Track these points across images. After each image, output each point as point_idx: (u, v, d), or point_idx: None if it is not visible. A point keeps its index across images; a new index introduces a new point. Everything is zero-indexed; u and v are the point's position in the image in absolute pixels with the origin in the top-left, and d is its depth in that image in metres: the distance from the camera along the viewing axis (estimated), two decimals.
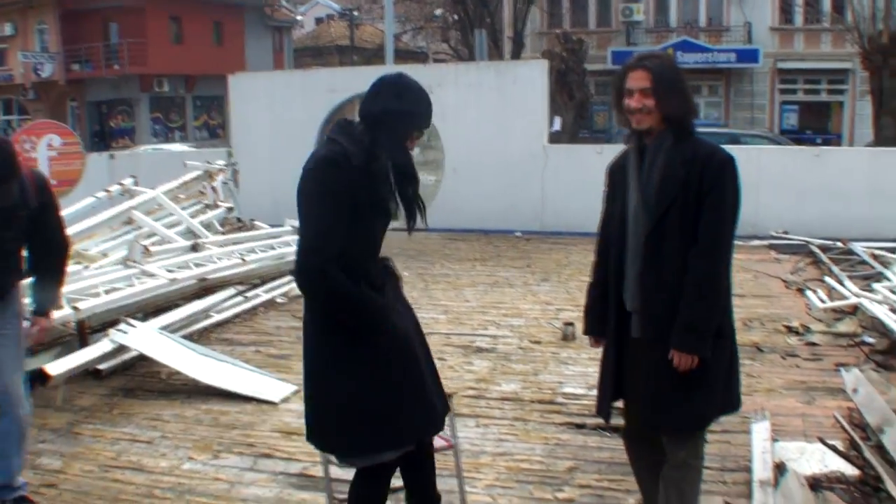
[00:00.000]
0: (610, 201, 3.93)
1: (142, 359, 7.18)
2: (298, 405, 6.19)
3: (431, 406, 3.60)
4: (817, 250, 11.62)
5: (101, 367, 7.03)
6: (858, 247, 11.35)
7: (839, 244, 11.72)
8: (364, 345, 3.41)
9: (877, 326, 7.67)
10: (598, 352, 7.42)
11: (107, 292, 7.69)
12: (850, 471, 4.87)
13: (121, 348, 7.06)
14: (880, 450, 5.10)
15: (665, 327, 3.63)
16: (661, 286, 3.65)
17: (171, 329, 7.81)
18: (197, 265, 9.05)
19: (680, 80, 3.73)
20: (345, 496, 4.71)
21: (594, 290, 4.05)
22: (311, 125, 15.35)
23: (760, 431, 5.28)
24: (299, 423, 5.83)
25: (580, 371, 7.09)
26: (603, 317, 3.96)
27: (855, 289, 8.78)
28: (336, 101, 15.35)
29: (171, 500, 4.94)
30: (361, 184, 3.39)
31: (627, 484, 4.85)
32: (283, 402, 6.45)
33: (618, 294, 3.83)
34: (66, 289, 7.42)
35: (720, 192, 3.59)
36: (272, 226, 11.86)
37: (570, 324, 8.13)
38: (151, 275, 8.24)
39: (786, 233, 13.07)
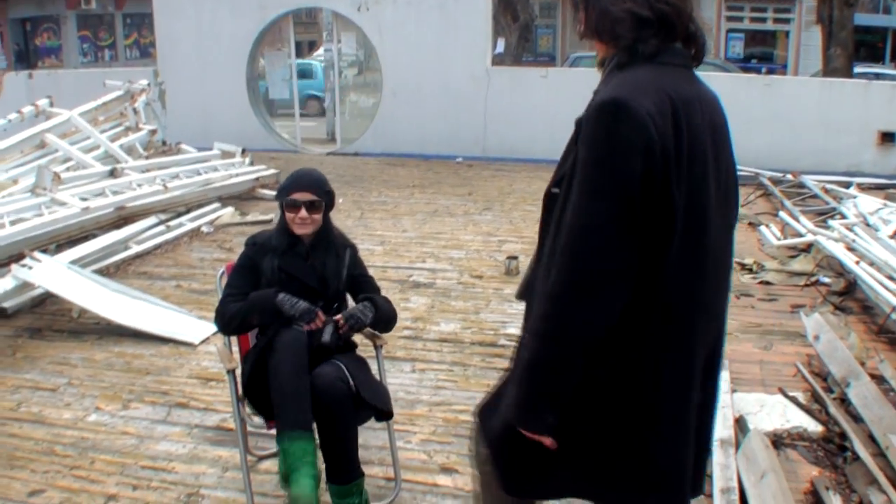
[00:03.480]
0: None
1: (52, 295, 6.58)
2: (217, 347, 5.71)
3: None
4: (768, 182, 11.27)
5: (6, 304, 6.44)
6: (809, 180, 11.03)
7: (789, 177, 11.39)
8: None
9: (833, 265, 7.35)
10: None
11: (12, 223, 7.06)
12: (814, 427, 4.54)
13: (27, 284, 6.46)
14: (844, 403, 4.77)
15: None
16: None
17: (85, 261, 7.22)
18: (115, 192, 8.42)
19: None
20: (263, 452, 4.32)
21: None
22: (242, 43, 14.54)
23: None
24: (218, 367, 5.37)
25: (524, 310, 6.66)
26: None
27: (810, 225, 8.44)
28: (268, 17, 14.53)
29: (73, 458, 4.44)
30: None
31: None
32: (202, 344, 5.94)
33: None
34: None
35: (580, 162, 2.14)
36: (199, 149, 11.21)
37: (514, 257, 7.70)
38: (62, 203, 7.61)
39: None
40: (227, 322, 3.85)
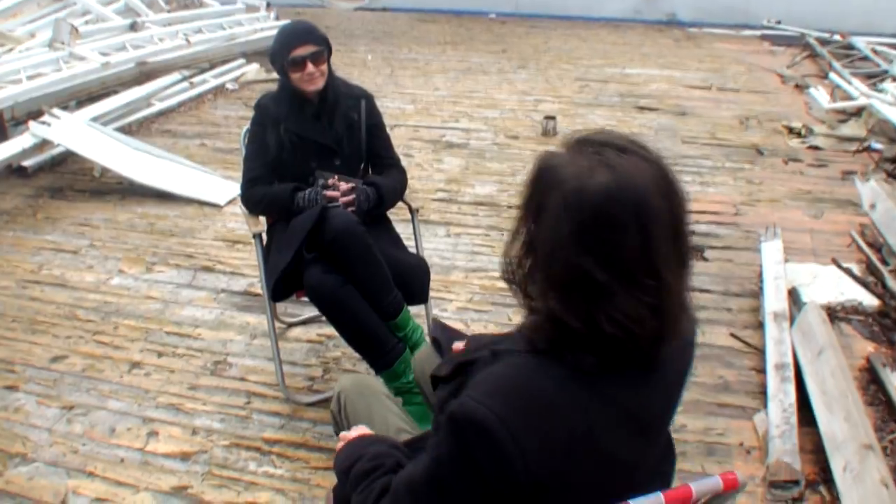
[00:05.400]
0: None
1: (73, 154, 6.34)
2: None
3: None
4: (815, 43, 10.73)
5: (26, 163, 6.24)
6: (859, 41, 10.48)
7: (837, 37, 10.83)
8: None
9: (886, 131, 6.95)
10: None
11: (30, 78, 6.79)
12: (869, 300, 4.29)
13: (46, 143, 6.22)
14: None
15: None
16: None
17: (106, 119, 6.97)
18: (135, 47, 8.10)
19: None
20: (293, 319, 4.18)
21: None
22: None
23: (772, 252, 4.65)
24: (245, 229, 5.15)
25: None
26: None
27: (863, 88, 8.01)
28: None
29: (96, 323, 4.29)
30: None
31: None
32: (227, 205, 5.73)
33: None
34: None
35: None
36: (222, 3, 10.78)
37: (551, 117, 7.38)
38: (81, 58, 7.31)
39: (778, 22, 12.15)
40: (252, 212, 3.71)
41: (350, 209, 3.41)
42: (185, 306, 4.43)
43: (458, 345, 2.10)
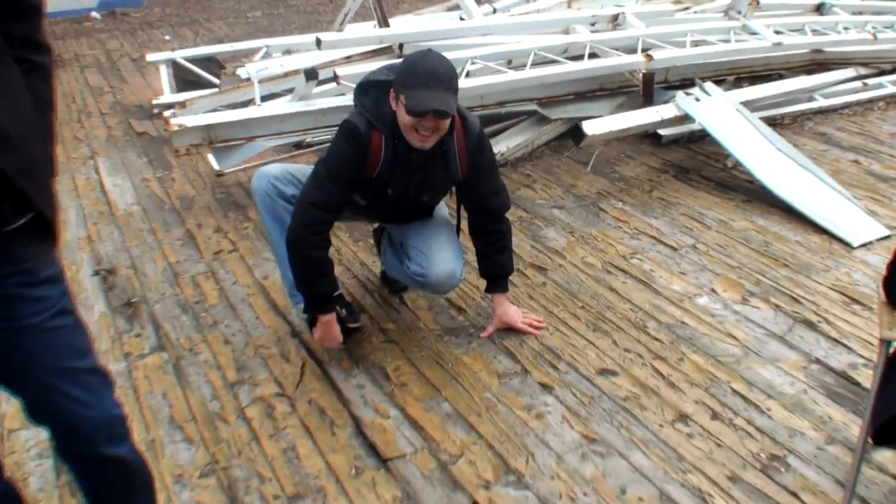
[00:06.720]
0: None
1: (709, 135, 5.75)
2: (880, 258, 4.47)
3: None
4: None
5: (662, 132, 5.84)
6: None
7: None
8: None
9: None
10: None
11: (694, 44, 6.31)
12: None
13: (687, 117, 5.71)
14: None
15: None
16: None
17: (759, 104, 6.26)
18: (814, 31, 7.21)
19: None
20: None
21: None
22: None
23: None
24: (872, 288, 4.19)
25: None
26: None
27: None
28: None
29: (661, 344, 3.74)
30: None
31: None
32: (861, 249, 4.66)
33: None
34: (659, 30, 6.26)
35: None
36: None
37: None
38: (753, 32, 6.64)
39: None
40: None
41: None
42: (767, 364, 3.62)
43: None
